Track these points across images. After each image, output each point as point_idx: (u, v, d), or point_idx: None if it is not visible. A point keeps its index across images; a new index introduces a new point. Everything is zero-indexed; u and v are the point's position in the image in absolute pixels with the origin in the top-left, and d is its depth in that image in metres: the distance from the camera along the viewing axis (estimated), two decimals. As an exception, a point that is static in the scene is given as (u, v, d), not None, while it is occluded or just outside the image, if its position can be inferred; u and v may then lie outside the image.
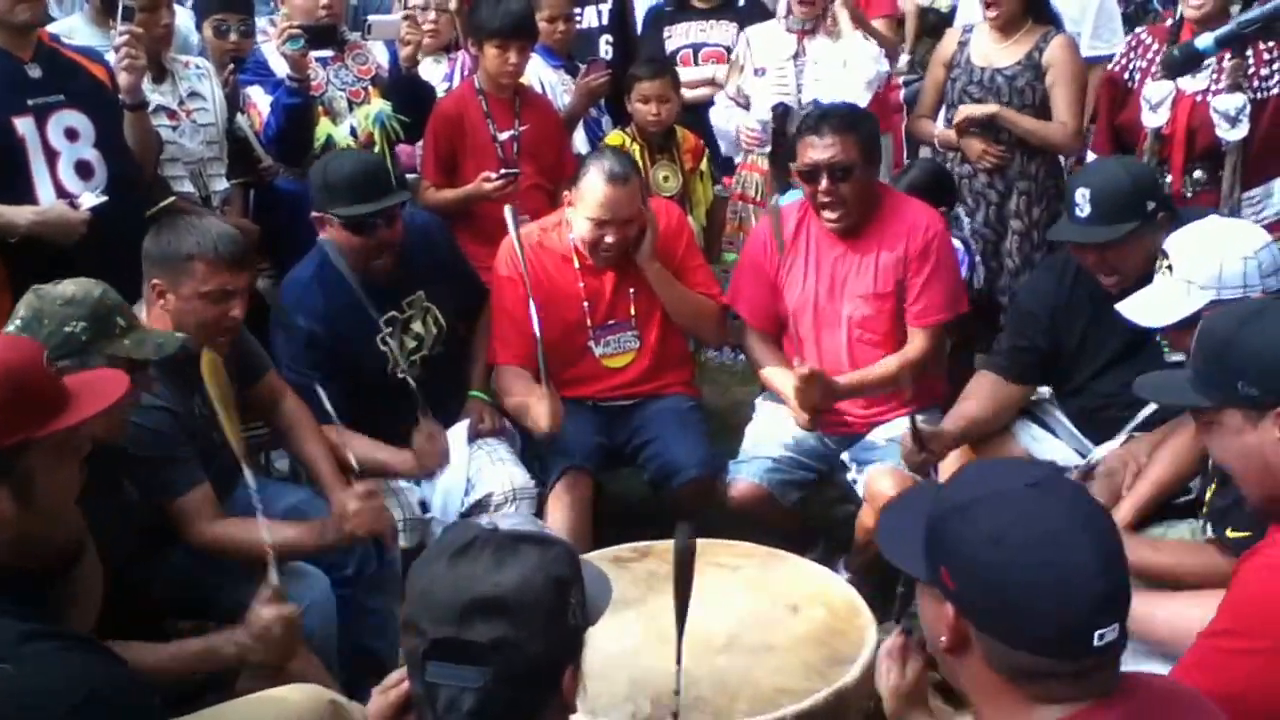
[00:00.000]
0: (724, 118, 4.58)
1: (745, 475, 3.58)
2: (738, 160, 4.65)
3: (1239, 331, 1.96)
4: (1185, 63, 3.68)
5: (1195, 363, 2.04)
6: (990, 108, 4.17)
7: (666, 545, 2.84)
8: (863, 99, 4.21)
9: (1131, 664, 2.01)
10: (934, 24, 6.58)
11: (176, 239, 2.91)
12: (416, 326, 3.53)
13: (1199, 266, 2.66)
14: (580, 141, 4.58)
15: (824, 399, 3.49)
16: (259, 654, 2.41)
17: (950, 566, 1.50)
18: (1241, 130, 3.73)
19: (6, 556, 1.84)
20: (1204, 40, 3.58)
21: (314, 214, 3.41)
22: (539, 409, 3.37)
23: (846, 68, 4.35)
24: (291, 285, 3.48)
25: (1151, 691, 1.55)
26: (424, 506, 3.44)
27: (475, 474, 3.43)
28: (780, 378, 3.65)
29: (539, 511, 3.42)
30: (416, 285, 3.52)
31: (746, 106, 4.52)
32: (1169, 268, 2.73)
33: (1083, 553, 1.44)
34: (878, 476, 3.41)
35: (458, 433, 3.48)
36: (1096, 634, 1.42)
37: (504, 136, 4.18)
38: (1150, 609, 2.14)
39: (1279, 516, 1.93)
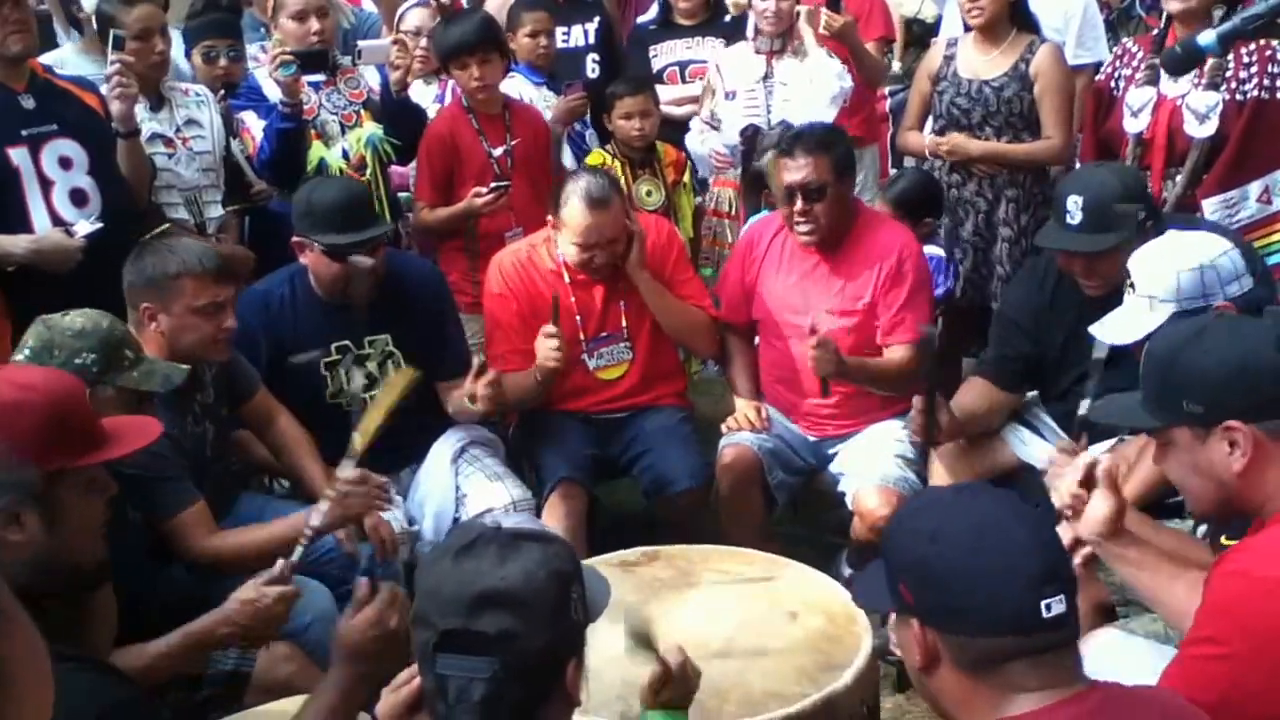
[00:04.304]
0: (698, 141, 4.60)
1: (736, 441, 3.62)
2: (711, 179, 4.68)
3: (1180, 351, 1.99)
4: (1187, 59, 3.56)
5: (1144, 384, 2.07)
6: (977, 146, 4.17)
7: (673, 550, 2.91)
8: (828, 115, 4.24)
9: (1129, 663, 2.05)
10: (920, 34, 6.60)
11: (160, 261, 2.95)
12: (371, 366, 3.47)
13: (1158, 281, 2.70)
14: (566, 158, 4.60)
15: (833, 366, 3.43)
16: (250, 629, 2.45)
17: (905, 578, 1.58)
18: (1209, 128, 3.68)
19: (27, 578, 1.87)
20: (1206, 37, 3.45)
21: (294, 239, 3.39)
22: (542, 345, 3.40)
23: (811, 85, 4.38)
24: (253, 290, 3.49)
25: (1123, 689, 1.59)
26: (410, 522, 3.42)
27: (474, 492, 3.40)
28: (739, 379, 3.82)
29: (535, 523, 3.44)
30: (386, 327, 3.47)
31: (719, 130, 4.53)
32: (1131, 285, 2.76)
33: (1015, 533, 1.54)
34: (866, 495, 3.46)
35: (440, 453, 3.47)
36: (1044, 604, 1.49)
37: (498, 152, 4.20)
38: (1174, 576, 2.12)
39: (1256, 515, 1.96)
